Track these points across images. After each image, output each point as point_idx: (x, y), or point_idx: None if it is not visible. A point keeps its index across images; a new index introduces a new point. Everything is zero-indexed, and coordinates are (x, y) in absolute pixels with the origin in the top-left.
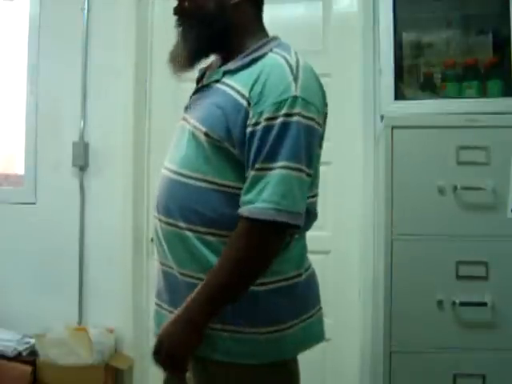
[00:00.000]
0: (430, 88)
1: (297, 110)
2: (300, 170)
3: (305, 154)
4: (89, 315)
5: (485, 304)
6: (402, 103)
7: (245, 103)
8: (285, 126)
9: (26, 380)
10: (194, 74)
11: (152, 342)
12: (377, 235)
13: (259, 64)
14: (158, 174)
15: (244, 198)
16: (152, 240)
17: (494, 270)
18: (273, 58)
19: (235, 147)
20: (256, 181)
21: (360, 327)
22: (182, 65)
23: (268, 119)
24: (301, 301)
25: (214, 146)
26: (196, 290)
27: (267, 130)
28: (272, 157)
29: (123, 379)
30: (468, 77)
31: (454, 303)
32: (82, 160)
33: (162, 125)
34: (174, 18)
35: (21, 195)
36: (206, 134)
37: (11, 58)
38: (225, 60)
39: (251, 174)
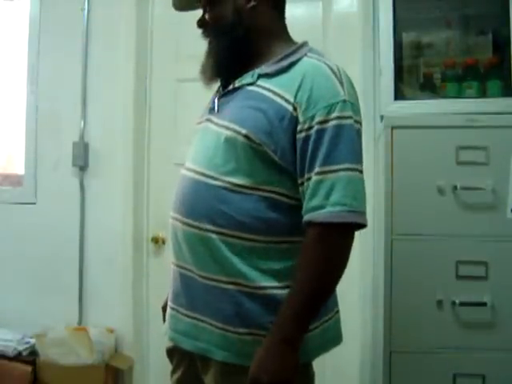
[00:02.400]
0: (429, 88)
1: (348, 113)
2: (361, 172)
3: (360, 156)
4: (89, 315)
5: (484, 304)
6: (401, 103)
7: (290, 108)
8: (339, 129)
9: (26, 380)
10: (196, 74)
11: (152, 342)
12: (377, 235)
13: (298, 68)
14: (158, 173)
15: (310, 204)
16: (153, 240)
17: (493, 270)
18: (312, 63)
19: (277, 152)
20: (318, 185)
21: (360, 327)
22: (209, 76)
23: (320, 122)
24: None
25: (251, 148)
26: (283, 307)
27: (321, 132)
28: (333, 159)
29: (123, 379)
30: (468, 77)
31: (453, 303)
32: (82, 160)
33: (162, 125)
34: (174, 17)
35: (21, 195)
36: (245, 137)
37: (11, 58)
38: (252, 61)
39: (312, 178)
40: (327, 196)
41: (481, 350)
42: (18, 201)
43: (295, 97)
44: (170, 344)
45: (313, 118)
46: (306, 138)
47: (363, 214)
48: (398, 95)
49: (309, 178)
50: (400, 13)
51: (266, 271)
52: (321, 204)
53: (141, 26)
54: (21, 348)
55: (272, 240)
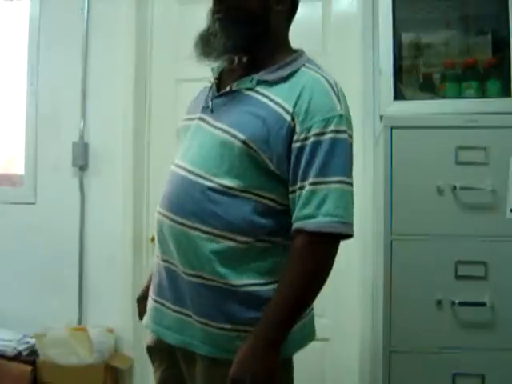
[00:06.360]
0: (429, 88)
1: (343, 127)
2: (351, 185)
3: (351, 169)
4: (89, 315)
5: (484, 304)
6: (401, 103)
7: (288, 118)
8: (334, 142)
9: (25, 380)
10: (195, 74)
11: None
12: (376, 235)
13: (297, 78)
14: (158, 173)
15: (302, 213)
16: (152, 240)
17: (493, 270)
18: (312, 75)
19: (273, 160)
20: (312, 195)
21: (359, 327)
22: (215, 55)
23: (317, 134)
24: None
25: (247, 154)
26: (267, 309)
27: (317, 144)
28: (327, 171)
29: (123, 379)
30: (467, 77)
31: (453, 303)
32: (82, 160)
33: (162, 125)
34: (174, 17)
35: (21, 195)
36: (243, 142)
37: (11, 58)
38: (251, 65)
39: (306, 187)
40: (319, 206)
41: (481, 350)
42: (18, 201)
43: (294, 107)
44: (150, 342)
45: (309, 129)
46: (302, 148)
47: (351, 225)
48: (398, 95)
49: (301, 187)
50: (400, 13)
51: (248, 269)
52: (313, 213)
53: (141, 25)
54: (21, 348)
55: (256, 240)
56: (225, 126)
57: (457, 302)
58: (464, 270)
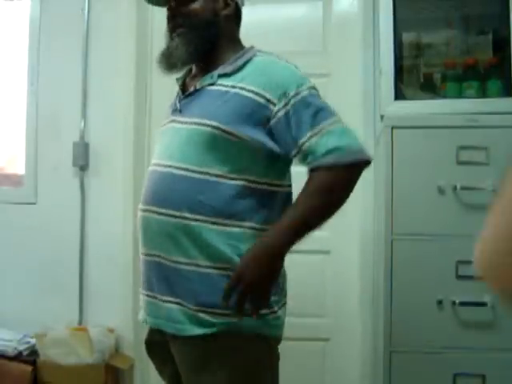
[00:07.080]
0: (429, 88)
1: (312, 85)
2: (342, 121)
3: (335, 111)
4: (89, 315)
5: (485, 304)
6: (402, 103)
7: (256, 98)
8: (313, 96)
9: (26, 380)
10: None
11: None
12: (377, 235)
13: (254, 64)
14: None
15: (315, 156)
16: None
17: None
18: (268, 58)
19: (247, 138)
20: (316, 144)
21: (359, 327)
22: (180, 65)
23: (294, 96)
24: (281, 290)
25: (222, 138)
26: (281, 221)
27: (299, 104)
28: (319, 120)
29: (124, 379)
30: (468, 77)
31: (453, 303)
32: (82, 160)
33: None
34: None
35: (21, 195)
36: (216, 128)
37: (11, 58)
38: (209, 66)
39: (307, 143)
40: (327, 146)
41: (481, 350)
42: (18, 201)
43: (263, 87)
44: (146, 339)
45: (285, 94)
46: (287, 114)
47: (363, 150)
48: (398, 95)
49: (303, 144)
50: (400, 13)
51: (241, 254)
52: (324, 152)
53: (141, 26)
54: (21, 348)
55: (245, 226)
56: (195, 119)
57: (457, 301)
58: (465, 270)
